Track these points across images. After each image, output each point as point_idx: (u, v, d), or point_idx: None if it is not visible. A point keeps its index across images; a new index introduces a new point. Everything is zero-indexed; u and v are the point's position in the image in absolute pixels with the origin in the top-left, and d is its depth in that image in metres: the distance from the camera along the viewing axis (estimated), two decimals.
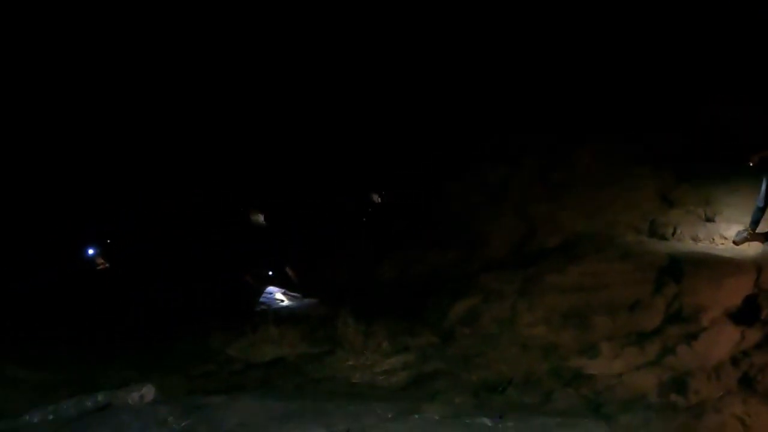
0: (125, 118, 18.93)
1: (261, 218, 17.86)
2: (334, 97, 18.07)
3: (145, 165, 18.78)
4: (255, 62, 19.08)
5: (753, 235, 9.50)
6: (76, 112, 18.45)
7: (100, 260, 16.08)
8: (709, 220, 10.49)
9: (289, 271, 12.10)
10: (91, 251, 16.46)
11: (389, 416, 5.34)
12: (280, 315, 9.64)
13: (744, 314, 7.57)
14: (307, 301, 11.22)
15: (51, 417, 5.69)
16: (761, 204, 9.23)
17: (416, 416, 5.31)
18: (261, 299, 11.33)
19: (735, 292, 7.98)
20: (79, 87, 18.44)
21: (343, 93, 18.05)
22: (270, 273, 12.71)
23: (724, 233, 9.97)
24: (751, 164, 8.90)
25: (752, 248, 9.35)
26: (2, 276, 13.51)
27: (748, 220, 9.67)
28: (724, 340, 7.11)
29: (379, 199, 13.60)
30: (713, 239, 9.97)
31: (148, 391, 6.23)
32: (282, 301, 11.32)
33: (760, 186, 9.17)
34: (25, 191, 17.20)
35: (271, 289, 11.56)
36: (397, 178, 14.79)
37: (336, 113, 17.82)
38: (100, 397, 6.03)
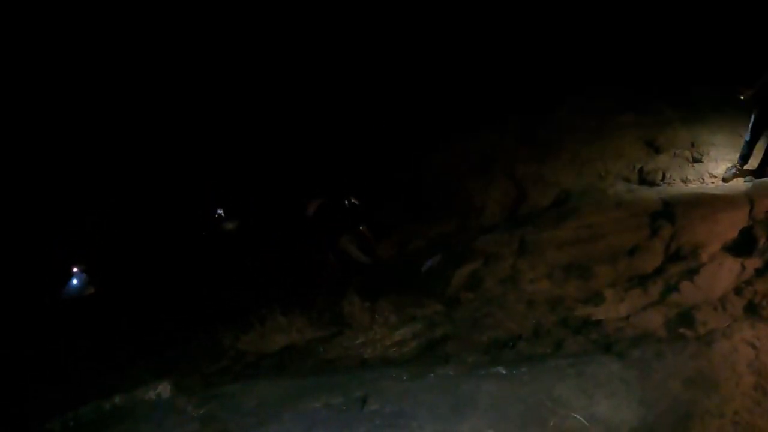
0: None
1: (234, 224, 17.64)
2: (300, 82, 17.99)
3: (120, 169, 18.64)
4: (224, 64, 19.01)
5: (741, 171, 9.59)
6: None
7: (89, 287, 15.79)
8: (697, 161, 10.56)
9: (365, 232, 11.70)
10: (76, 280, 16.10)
11: (404, 378, 5.41)
12: (285, 303, 9.62)
13: (741, 246, 7.68)
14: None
15: (72, 423, 5.75)
16: (748, 138, 9.31)
17: (431, 375, 5.38)
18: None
19: (730, 226, 8.07)
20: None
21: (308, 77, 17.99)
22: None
23: (713, 172, 10.09)
24: (742, 97, 8.95)
25: (742, 183, 9.43)
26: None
27: (734, 157, 9.78)
28: (725, 273, 7.20)
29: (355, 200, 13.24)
30: (703, 179, 10.07)
31: (165, 388, 6.28)
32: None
33: (749, 121, 9.27)
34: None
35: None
36: (380, 158, 14.72)
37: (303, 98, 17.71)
38: (117, 399, 6.08)
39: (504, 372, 5.17)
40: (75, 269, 15.19)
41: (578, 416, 4.61)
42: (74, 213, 17.77)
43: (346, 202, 11.70)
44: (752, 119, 9.16)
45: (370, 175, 14.33)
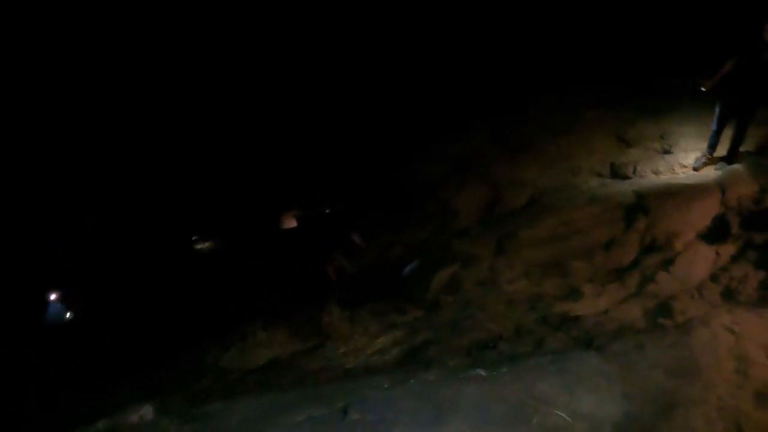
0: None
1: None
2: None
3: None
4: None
5: (710, 160, 9.67)
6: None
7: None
8: (667, 152, 10.63)
9: (356, 239, 11.51)
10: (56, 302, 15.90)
11: (386, 386, 5.39)
12: (265, 318, 9.57)
13: (715, 233, 7.74)
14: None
15: None
16: (715, 127, 9.38)
17: (412, 381, 5.36)
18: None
19: (703, 214, 8.14)
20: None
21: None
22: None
23: (683, 162, 10.14)
24: (704, 89, 9.02)
25: (713, 171, 9.51)
26: None
27: (703, 146, 9.85)
28: (701, 261, 7.26)
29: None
30: (674, 170, 10.13)
31: (147, 411, 6.23)
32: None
33: (714, 111, 9.34)
34: None
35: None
36: (357, 167, 14.68)
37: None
38: (101, 425, 6.03)
39: (484, 374, 5.17)
40: (52, 296, 15.04)
41: (561, 413, 4.61)
42: (74, 213, 17.60)
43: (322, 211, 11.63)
44: (717, 109, 9.24)
45: (349, 182, 14.30)
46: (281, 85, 17.93)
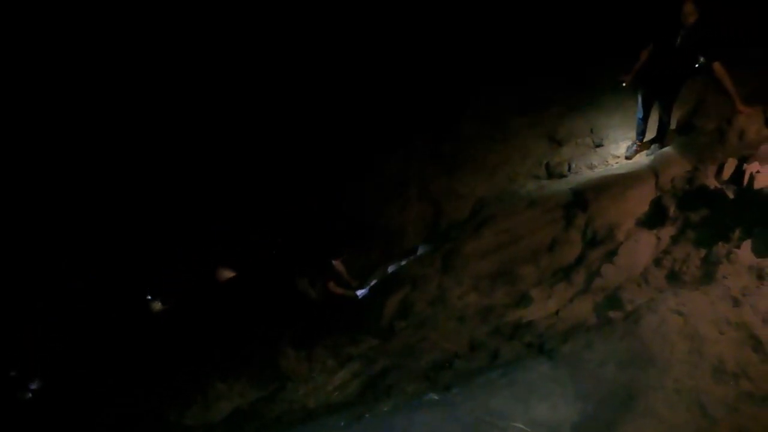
0: None
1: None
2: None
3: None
4: None
5: (641, 146, 9.77)
6: None
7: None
8: (599, 145, 10.75)
9: (338, 266, 11.11)
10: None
11: (342, 424, 5.27)
12: (222, 369, 9.40)
13: (654, 218, 7.75)
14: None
15: None
16: (640, 115, 9.48)
17: (367, 416, 5.25)
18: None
19: (640, 200, 8.17)
20: None
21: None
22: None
23: (615, 153, 10.28)
24: (624, 84, 9.12)
25: (645, 157, 9.60)
26: None
27: (632, 135, 9.96)
28: (642, 247, 7.25)
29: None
30: (607, 161, 10.24)
31: None
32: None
33: (637, 99, 9.45)
34: None
35: None
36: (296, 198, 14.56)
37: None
38: None
39: (437, 397, 5.07)
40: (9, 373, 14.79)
41: (519, 425, 4.53)
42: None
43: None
44: (640, 98, 9.35)
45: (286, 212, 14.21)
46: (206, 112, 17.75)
